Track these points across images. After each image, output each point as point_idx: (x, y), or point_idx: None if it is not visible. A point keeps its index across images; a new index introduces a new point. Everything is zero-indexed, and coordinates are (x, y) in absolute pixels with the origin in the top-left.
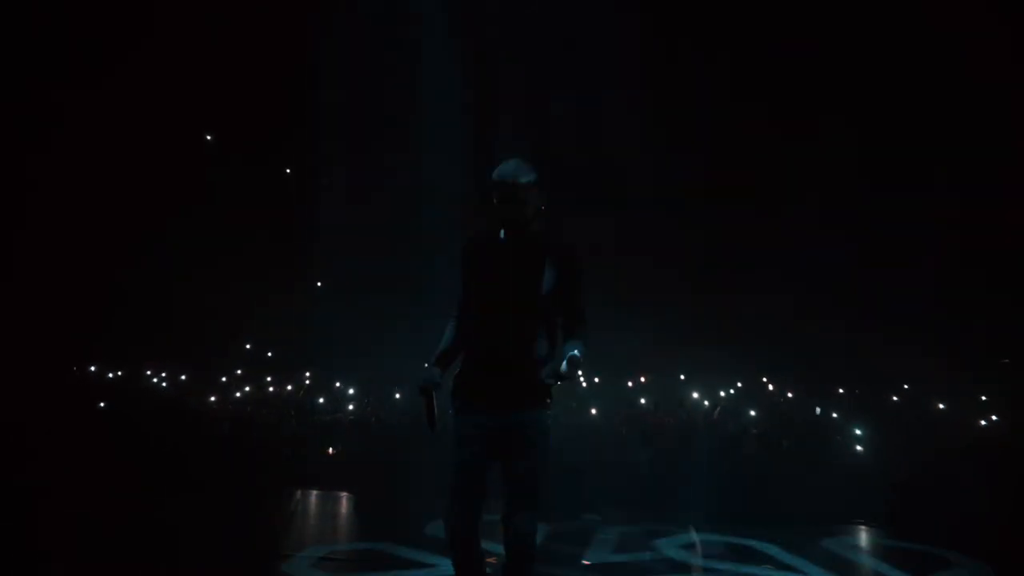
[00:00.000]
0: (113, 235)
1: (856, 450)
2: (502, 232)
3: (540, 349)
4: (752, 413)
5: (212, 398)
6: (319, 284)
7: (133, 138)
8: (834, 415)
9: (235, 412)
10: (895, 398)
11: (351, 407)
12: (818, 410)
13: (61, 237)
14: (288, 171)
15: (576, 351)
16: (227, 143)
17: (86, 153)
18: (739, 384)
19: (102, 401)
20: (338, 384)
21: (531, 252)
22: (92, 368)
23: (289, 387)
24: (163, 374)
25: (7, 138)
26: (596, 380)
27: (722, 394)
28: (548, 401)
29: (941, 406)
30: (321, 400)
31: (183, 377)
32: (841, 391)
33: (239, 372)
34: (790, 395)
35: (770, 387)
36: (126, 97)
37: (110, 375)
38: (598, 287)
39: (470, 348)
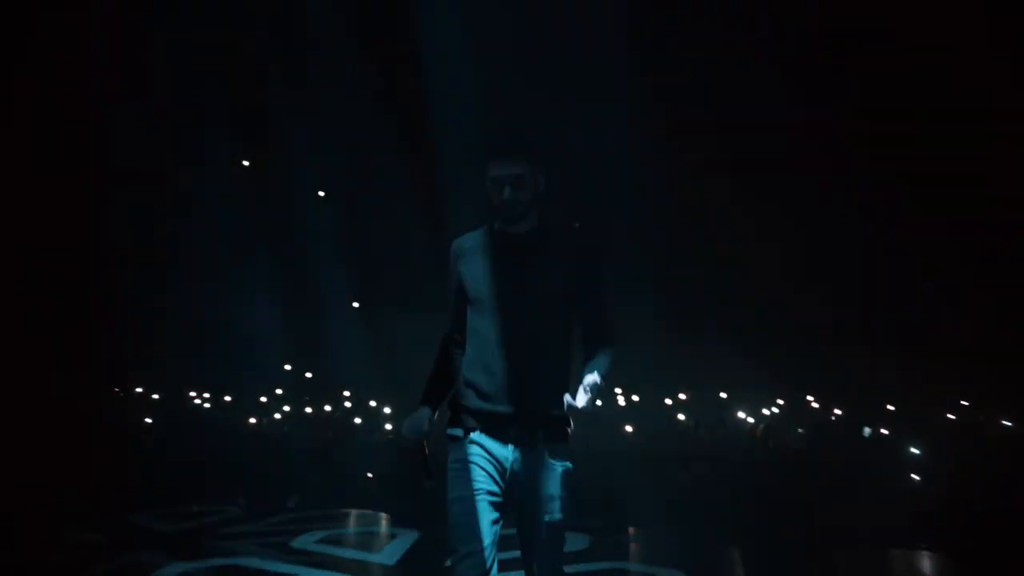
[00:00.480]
0: (152, 259)
1: (910, 473)
2: (495, 224)
3: (559, 372)
4: (800, 430)
5: (252, 419)
6: (355, 304)
7: (168, 164)
8: (884, 432)
9: (278, 432)
10: (950, 416)
11: (388, 427)
12: (867, 430)
13: (103, 260)
14: (321, 194)
15: (596, 373)
16: (262, 166)
17: (124, 178)
18: (781, 401)
19: (148, 419)
20: (373, 403)
21: (539, 247)
22: (138, 390)
23: (328, 407)
24: (205, 395)
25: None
26: (636, 398)
27: (765, 412)
28: (568, 430)
29: (1007, 423)
30: (358, 420)
31: (227, 398)
32: (891, 408)
33: (279, 392)
34: (838, 412)
35: (814, 404)
36: (165, 124)
37: (155, 396)
38: (629, 293)
39: (474, 376)
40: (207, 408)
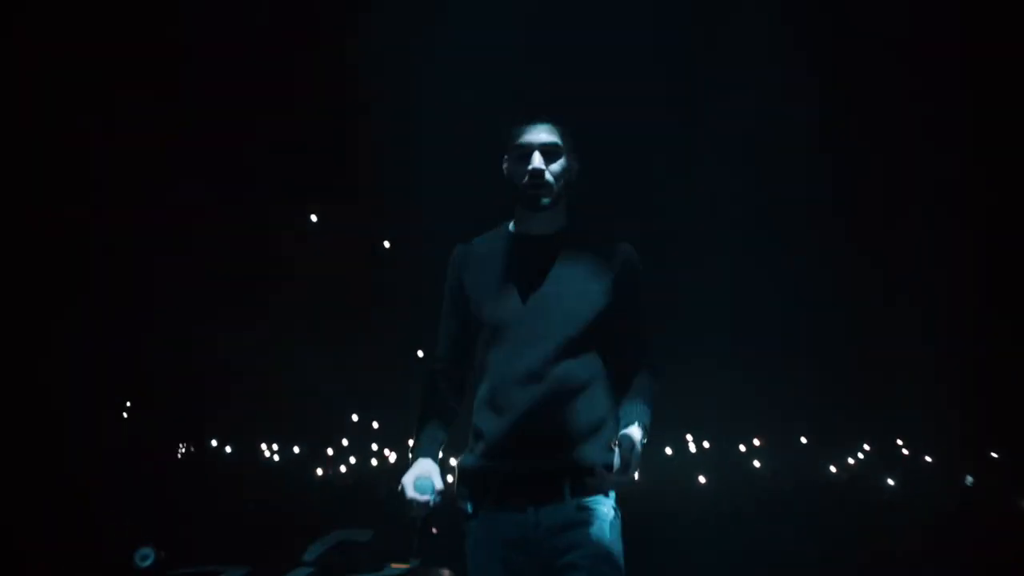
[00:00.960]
0: (216, 312)
1: None
2: (511, 225)
3: (599, 408)
4: (890, 482)
5: (319, 471)
6: (420, 353)
7: (229, 221)
8: (990, 481)
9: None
10: None
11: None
12: (969, 479)
13: (173, 317)
14: (387, 244)
15: (636, 425)
16: (325, 215)
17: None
18: (867, 447)
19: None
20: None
21: (570, 252)
22: (213, 442)
23: (393, 457)
24: (275, 447)
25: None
26: (705, 445)
27: (851, 461)
28: (610, 471)
29: None
30: None
31: (296, 450)
32: (995, 455)
33: (345, 443)
34: (928, 460)
35: (904, 451)
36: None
37: (227, 449)
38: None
39: (486, 425)
40: (276, 461)
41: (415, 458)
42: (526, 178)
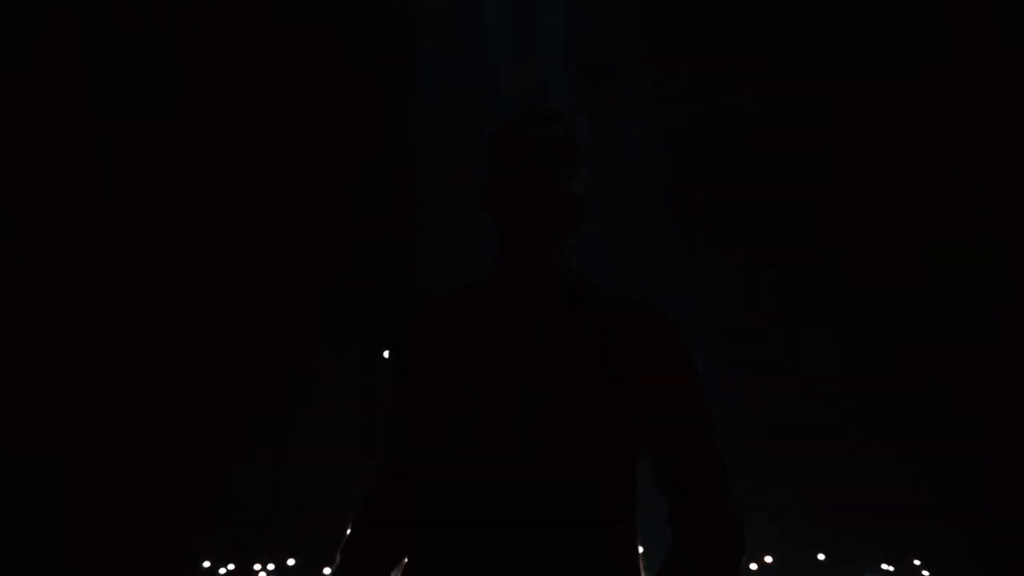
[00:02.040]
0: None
1: None
2: (485, 280)
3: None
4: None
5: None
6: None
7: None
8: None
9: None
10: None
11: None
12: None
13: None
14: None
15: None
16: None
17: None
18: (886, 567)
19: None
20: None
21: (563, 321)
22: (205, 564)
23: None
24: (271, 567)
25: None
26: (768, 560)
27: None
28: None
29: None
30: None
31: (291, 562)
32: None
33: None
34: None
35: (925, 573)
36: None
37: (221, 571)
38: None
39: None
40: None
41: None
42: (517, 183)
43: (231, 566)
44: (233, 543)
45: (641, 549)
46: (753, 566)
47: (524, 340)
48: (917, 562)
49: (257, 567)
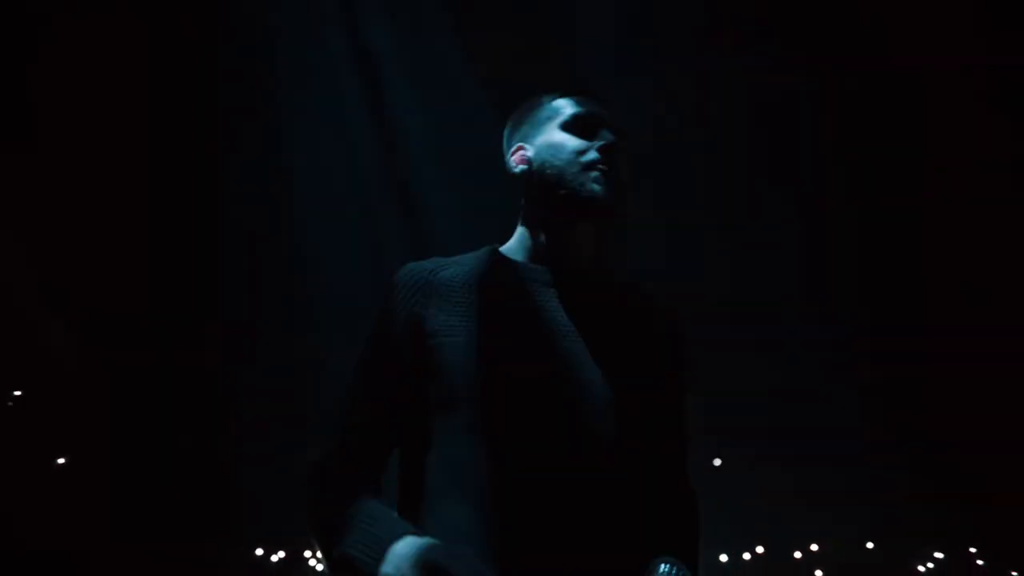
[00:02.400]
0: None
1: None
2: (515, 249)
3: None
4: None
5: None
6: None
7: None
8: None
9: None
10: None
11: None
12: None
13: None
14: None
15: None
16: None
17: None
18: (939, 555)
19: None
20: None
21: (612, 308)
22: (258, 552)
23: None
24: (317, 554)
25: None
26: (749, 556)
27: (921, 569)
28: None
29: None
30: None
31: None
32: None
33: None
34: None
35: (980, 562)
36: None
37: (273, 558)
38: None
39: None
40: (320, 570)
41: (398, 545)
42: (589, 155)
43: (282, 553)
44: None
45: None
46: (747, 556)
47: (592, 315)
48: (973, 550)
49: (307, 554)
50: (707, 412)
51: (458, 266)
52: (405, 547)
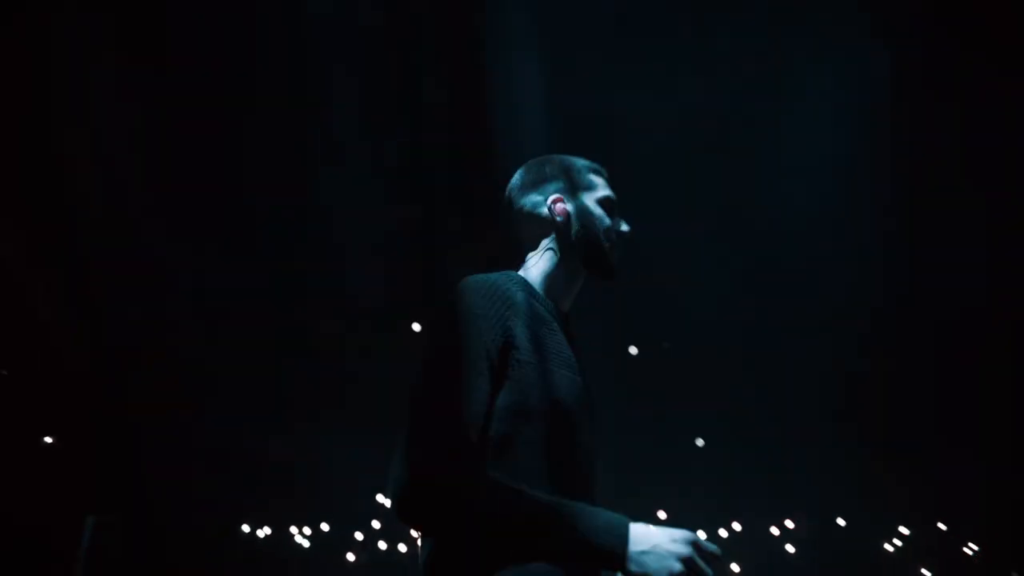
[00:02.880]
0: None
1: None
2: (536, 283)
3: None
4: (925, 573)
5: (351, 556)
6: None
7: None
8: None
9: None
10: None
11: None
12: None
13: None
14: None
15: None
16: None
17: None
18: (905, 530)
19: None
20: None
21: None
22: (244, 528)
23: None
24: (306, 531)
25: None
26: (737, 527)
27: (887, 547)
28: None
29: None
30: None
31: (325, 527)
32: None
33: (377, 526)
34: (973, 548)
35: (944, 528)
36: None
37: (260, 534)
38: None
39: None
40: (307, 547)
41: (618, 529)
42: (616, 236)
43: (268, 529)
44: (269, 509)
45: None
46: (723, 532)
47: (576, 351)
48: (942, 526)
49: (293, 530)
50: (689, 397)
51: (517, 288)
52: (645, 528)
